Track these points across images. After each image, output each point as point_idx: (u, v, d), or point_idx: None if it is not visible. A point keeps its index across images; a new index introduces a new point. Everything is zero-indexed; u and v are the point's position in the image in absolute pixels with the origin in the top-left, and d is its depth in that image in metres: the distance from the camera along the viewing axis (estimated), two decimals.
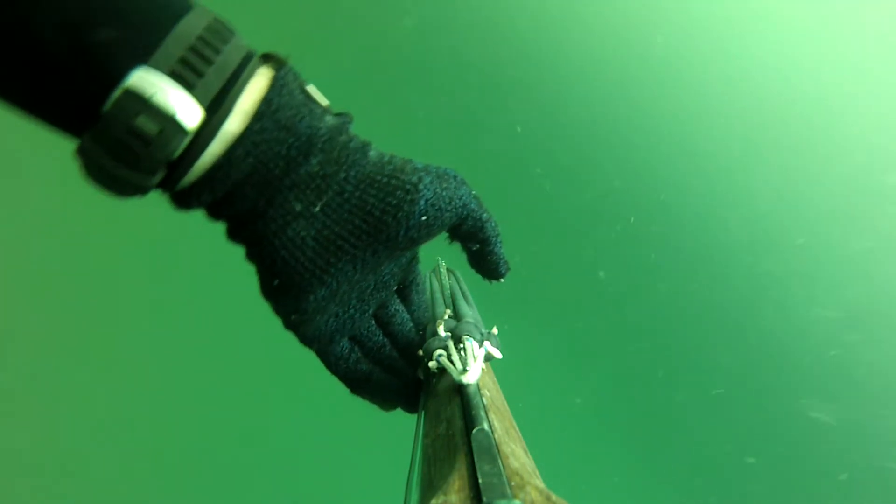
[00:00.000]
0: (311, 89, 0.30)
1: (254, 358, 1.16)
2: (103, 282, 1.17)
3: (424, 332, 0.36)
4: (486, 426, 0.23)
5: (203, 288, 1.23)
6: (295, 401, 1.18)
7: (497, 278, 0.36)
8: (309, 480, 1.20)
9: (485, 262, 0.35)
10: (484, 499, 0.18)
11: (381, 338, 0.35)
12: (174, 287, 1.22)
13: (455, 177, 0.32)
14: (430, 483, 0.23)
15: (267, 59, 0.29)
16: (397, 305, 0.36)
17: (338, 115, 0.31)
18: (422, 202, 0.30)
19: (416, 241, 0.31)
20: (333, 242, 0.30)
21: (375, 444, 1.04)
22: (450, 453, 0.23)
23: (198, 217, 0.30)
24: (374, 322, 0.35)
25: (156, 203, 0.30)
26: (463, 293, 0.41)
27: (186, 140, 0.25)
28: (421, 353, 0.34)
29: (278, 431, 1.19)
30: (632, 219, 1.44)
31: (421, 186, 0.30)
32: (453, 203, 0.31)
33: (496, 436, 0.22)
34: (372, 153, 0.31)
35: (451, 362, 0.31)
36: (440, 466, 0.23)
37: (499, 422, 0.25)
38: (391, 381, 0.36)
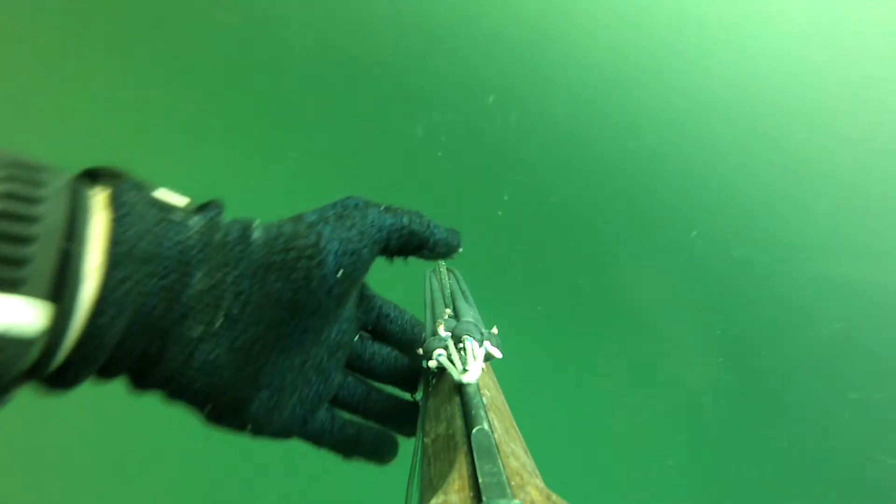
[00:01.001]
0: (162, 193, 0.25)
1: None
2: None
3: (420, 345, 0.35)
4: (486, 426, 0.23)
5: None
6: None
7: (455, 252, 0.33)
8: (309, 479, 1.20)
9: (434, 252, 0.32)
10: (484, 498, 0.18)
11: (363, 389, 0.33)
12: None
13: (356, 205, 0.29)
14: (430, 482, 0.23)
15: (94, 176, 0.24)
16: (372, 348, 0.33)
17: (202, 208, 0.27)
18: (330, 259, 0.26)
19: (346, 295, 0.28)
20: (251, 347, 0.26)
21: None
22: (449, 453, 0.23)
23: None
24: (349, 378, 0.33)
25: None
26: (463, 293, 0.41)
27: (39, 344, 0.20)
28: (421, 352, 0.34)
29: None
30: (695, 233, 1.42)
31: (322, 243, 0.26)
32: (366, 236, 0.28)
33: (496, 435, 0.22)
34: (256, 234, 0.27)
35: (451, 362, 0.30)
36: (440, 466, 0.23)
37: (499, 421, 0.25)
38: (384, 433, 0.34)
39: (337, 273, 0.27)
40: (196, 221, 0.25)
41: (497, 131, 1.41)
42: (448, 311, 0.37)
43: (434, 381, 0.32)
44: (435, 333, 0.34)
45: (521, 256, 1.44)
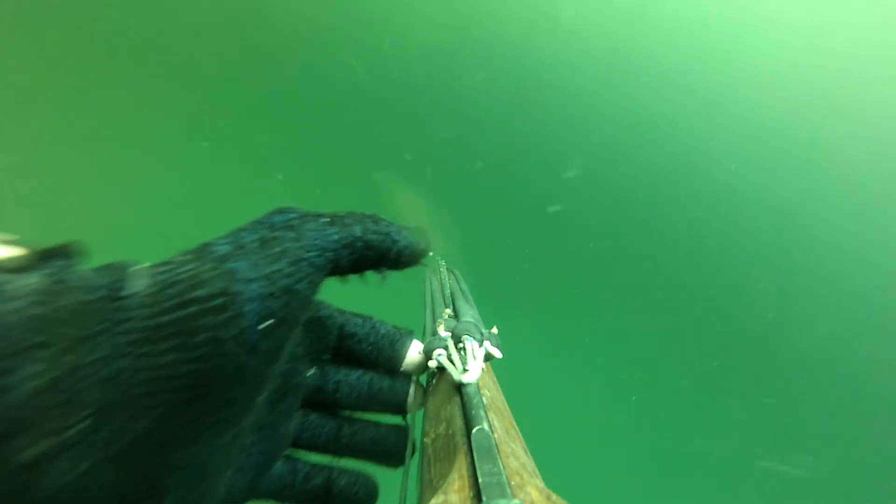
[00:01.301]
0: None
1: None
2: None
3: (402, 361, 0.31)
4: (486, 426, 0.23)
5: None
6: None
7: (423, 257, 0.27)
8: None
9: (397, 264, 0.26)
10: (484, 498, 0.18)
11: (331, 425, 0.28)
12: None
13: (287, 222, 0.22)
14: (430, 482, 0.23)
15: None
16: (337, 376, 0.28)
17: (43, 259, 0.18)
18: (249, 308, 0.19)
19: (281, 345, 0.21)
20: (142, 445, 0.18)
21: None
22: (449, 453, 0.23)
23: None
24: (311, 415, 0.27)
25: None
26: (463, 292, 0.41)
27: None
28: (422, 353, 0.34)
29: None
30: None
31: (236, 288, 0.19)
32: (303, 264, 0.21)
33: (496, 435, 0.22)
34: (136, 286, 0.18)
35: (451, 362, 0.30)
36: (440, 466, 0.23)
37: (499, 422, 0.25)
38: (360, 476, 0.29)
39: (260, 324, 0.20)
40: (30, 283, 0.17)
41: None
42: (448, 311, 0.37)
43: (434, 381, 0.33)
44: (435, 333, 0.34)
45: (523, 254, 1.43)
